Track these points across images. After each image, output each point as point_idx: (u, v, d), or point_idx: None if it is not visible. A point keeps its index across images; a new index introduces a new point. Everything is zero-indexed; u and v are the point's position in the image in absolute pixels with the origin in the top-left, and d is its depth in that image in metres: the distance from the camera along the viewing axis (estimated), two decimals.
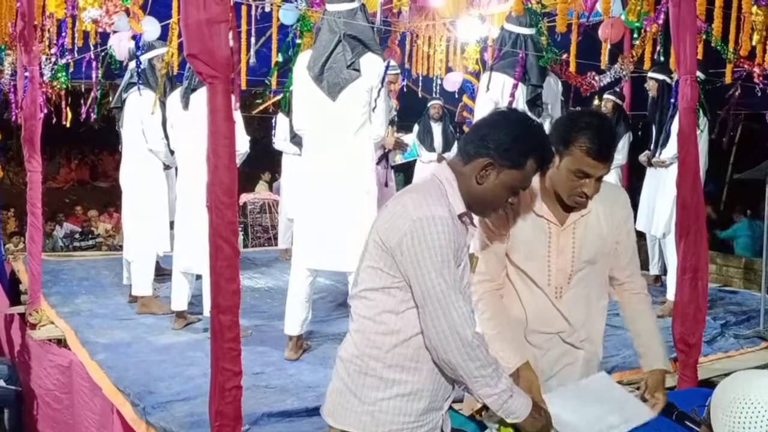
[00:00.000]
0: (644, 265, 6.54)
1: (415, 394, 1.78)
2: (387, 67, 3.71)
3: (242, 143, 4.30)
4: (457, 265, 1.75)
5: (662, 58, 5.19)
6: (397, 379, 1.77)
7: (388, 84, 5.62)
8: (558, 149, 2.03)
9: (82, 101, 6.27)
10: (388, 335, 1.77)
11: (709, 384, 3.23)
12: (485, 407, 1.85)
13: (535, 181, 2.09)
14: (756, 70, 5.03)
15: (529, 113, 4.22)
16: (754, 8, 4.57)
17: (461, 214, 1.80)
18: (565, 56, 4.76)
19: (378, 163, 5.66)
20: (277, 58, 5.43)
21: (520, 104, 4.22)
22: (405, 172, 7.44)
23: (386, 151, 5.81)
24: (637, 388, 3.50)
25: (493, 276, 2.21)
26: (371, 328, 1.79)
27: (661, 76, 5.26)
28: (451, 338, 1.71)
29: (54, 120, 6.25)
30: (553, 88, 4.40)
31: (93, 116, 6.17)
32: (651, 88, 5.49)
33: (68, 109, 6.33)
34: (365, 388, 1.79)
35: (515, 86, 4.19)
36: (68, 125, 6.43)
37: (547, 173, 2.10)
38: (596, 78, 5.31)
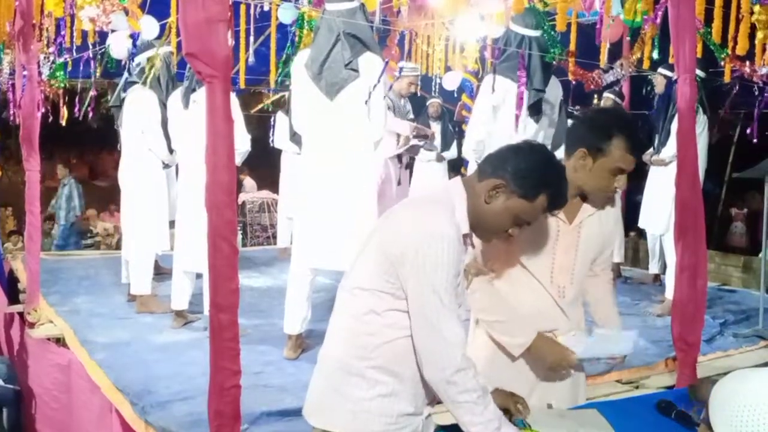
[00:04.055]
0: (644, 263, 6.55)
1: (397, 396, 1.77)
2: (384, 67, 3.70)
3: (243, 141, 4.30)
4: (455, 284, 1.74)
5: (658, 57, 5.20)
6: (380, 380, 1.76)
7: (409, 84, 5.62)
8: (592, 151, 2.07)
9: (77, 100, 6.28)
10: (372, 336, 1.77)
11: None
12: None
13: None
14: (747, 69, 5.03)
15: (530, 118, 4.17)
16: (757, 7, 4.56)
17: (465, 234, 1.80)
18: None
19: (400, 162, 5.60)
20: (276, 59, 5.44)
21: (523, 109, 4.16)
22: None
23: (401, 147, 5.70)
24: (636, 387, 3.53)
25: (486, 268, 2.23)
26: (357, 327, 1.79)
27: (669, 73, 5.24)
28: (437, 357, 1.70)
29: (50, 119, 6.25)
30: (554, 90, 4.35)
31: (91, 114, 6.16)
32: (658, 84, 5.49)
33: (65, 107, 6.33)
34: (348, 387, 1.78)
35: (521, 93, 4.09)
36: (64, 123, 6.43)
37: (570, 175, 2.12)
38: (602, 76, 5.30)
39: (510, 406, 1.90)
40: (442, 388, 1.72)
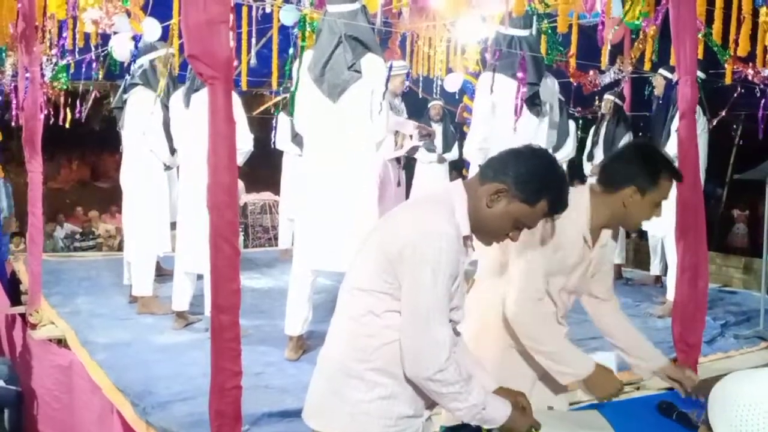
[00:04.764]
0: (645, 265, 6.55)
1: (396, 398, 1.77)
2: (391, 69, 3.70)
3: (245, 141, 4.31)
4: (451, 285, 1.74)
5: (656, 59, 5.20)
6: (379, 382, 1.76)
7: (402, 83, 5.63)
8: (642, 187, 2.19)
9: (78, 101, 6.28)
10: (371, 337, 1.76)
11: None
12: None
13: (585, 202, 2.22)
14: (750, 71, 5.03)
15: (529, 112, 4.20)
16: (763, 9, 4.56)
17: (465, 236, 1.80)
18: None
19: (399, 163, 5.62)
20: (279, 61, 5.44)
21: (522, 110, 4.18)
22: (405, 171, 7.47)
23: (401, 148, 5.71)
24: (637, 388, 3.52)
25: (541, 294, 2.26)
26: (356, 329, 1.78)
27: (669, 75, 5.24)
28: (423, 356, 1.70)
29: (51, 121, 6.26)
30: (550, 88, 4.37)
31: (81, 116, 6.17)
32: (658, 85, 5.48)
33: (67, 109, 6.34)
34: (347, 389, 1.77)
35: (520, 88, 4.14)
36: (67, 126, 6.44)
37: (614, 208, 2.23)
38: (598, 77, 5.31)
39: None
40: (425, 384, 1.72)
